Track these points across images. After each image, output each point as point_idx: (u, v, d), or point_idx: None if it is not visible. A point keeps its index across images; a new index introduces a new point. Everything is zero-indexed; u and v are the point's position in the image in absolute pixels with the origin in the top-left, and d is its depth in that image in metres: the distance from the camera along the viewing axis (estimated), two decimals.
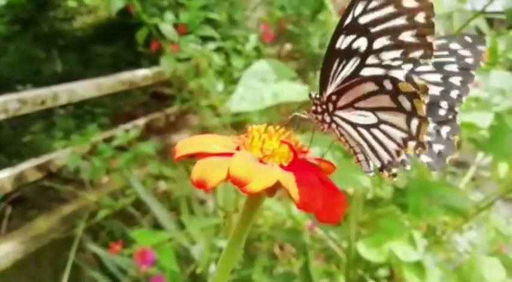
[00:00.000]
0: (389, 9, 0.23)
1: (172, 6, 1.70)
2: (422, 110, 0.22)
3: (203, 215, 1.11)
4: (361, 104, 0.24)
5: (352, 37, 0.24)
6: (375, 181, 0.70)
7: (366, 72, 0.25)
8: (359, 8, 0.24)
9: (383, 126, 0.24)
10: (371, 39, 0.24)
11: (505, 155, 0.69)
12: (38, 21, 2.61)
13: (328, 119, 0.26)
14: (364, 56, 0.24)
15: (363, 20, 0.24)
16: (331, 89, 0.25)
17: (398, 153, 0.24)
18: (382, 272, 0.81)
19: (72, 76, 1.80)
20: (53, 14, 2.80)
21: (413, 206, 0.68)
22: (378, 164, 0.25)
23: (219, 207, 0.83)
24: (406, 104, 0.23)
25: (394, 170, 0.24)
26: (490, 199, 0.78)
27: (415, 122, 0.23)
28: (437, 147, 0.26)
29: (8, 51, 2.48)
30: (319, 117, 0.26)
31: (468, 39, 0.27)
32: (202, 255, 0.89)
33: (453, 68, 0.27)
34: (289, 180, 0.21)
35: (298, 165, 0.23)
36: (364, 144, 0.25)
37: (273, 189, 0.22)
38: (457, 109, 0.26)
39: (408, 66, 0.24)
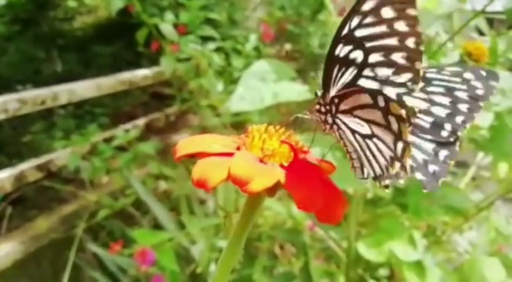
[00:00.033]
0: (383, 28, 0.23)
1: (172, 6, 1.70)
2: (407, 135, 0.22)
3: (203, 215, 1.11)
4: (359, 113, 0.25)
5: (349, 47, 0.24)
6: None
7: (362, 82, 0.25)
8: (355, 21, 0.24)
9: (375, 140, 0.24)
10: (366, 52, 0.24)
11: (505, 155, 0.69)
12: (38, 21, 2.61)
13: (330, 120, 0.26)
14: (360, 67, 0.25)
15: (358, 33, 0.24)
16: (333, 91, 0.26)
17: (387, 169, 0.24)
18: (382, 272, 0.81)
19: (72, 76, 1.80)
20: (53, 14, 2.80)
21: (413, 206, 0.68)
22: (371, 173, 0.25)
23: (219, 207, 0.83)
24: (394, 126, 0.23)
25: (386, 182, 0.25)
26: (490, 199, 0.78)
27: (400, 145, 0.23)
28: (432, 168, 0.26)
29: (8, 51, 2.48)
30: (322, 117, 0.26)
31: (482, 72, 0.27)
32: (202, 255, 0.89)
33: (463, 95, 0.27)
34: (289, 180, 0.21)
35: (298, 165, 0.23)
36: (360, 152, 0.25)
37: (274, 189, 0.21)
38: (459, 133, 0.27)
39: (401, 90, 0.24)
